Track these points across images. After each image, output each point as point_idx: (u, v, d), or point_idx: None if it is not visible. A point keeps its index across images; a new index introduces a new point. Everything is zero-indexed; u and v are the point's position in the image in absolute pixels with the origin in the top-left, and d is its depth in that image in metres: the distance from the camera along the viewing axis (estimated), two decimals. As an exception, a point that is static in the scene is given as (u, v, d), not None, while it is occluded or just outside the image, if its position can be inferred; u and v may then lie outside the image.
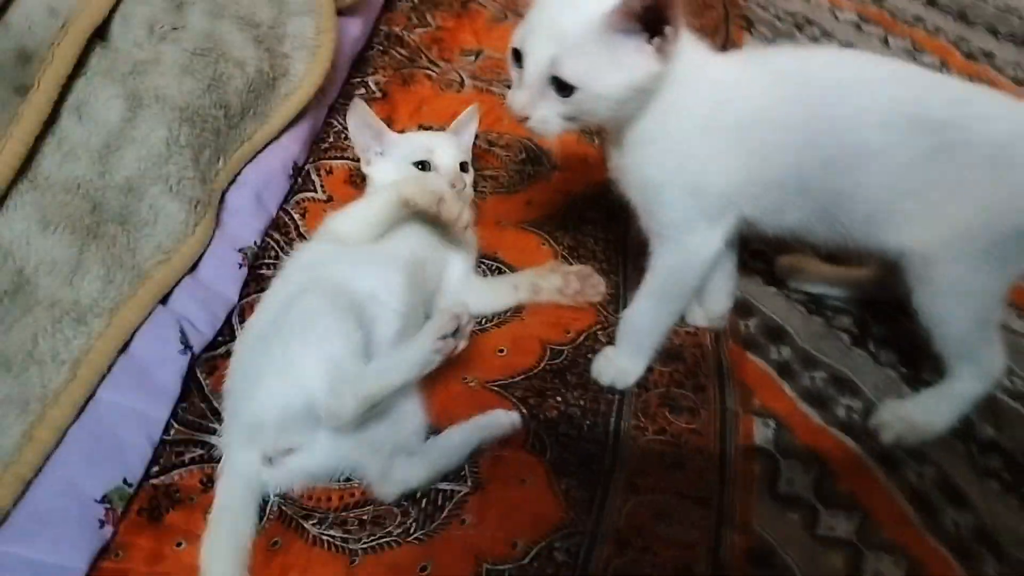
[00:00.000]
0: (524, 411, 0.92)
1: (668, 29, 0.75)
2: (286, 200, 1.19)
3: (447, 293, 1.02)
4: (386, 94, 1.42)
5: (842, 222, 0.87)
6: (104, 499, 0.80)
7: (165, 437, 0.88)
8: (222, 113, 1.10)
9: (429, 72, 1.50)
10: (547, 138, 0.85)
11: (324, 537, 0.80)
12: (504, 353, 0.99)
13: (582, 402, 0.94)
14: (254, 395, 0.81)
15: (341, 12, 1.36)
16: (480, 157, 1.26)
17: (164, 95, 1.04)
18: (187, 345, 0.94)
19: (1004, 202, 0.81)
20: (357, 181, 1.20)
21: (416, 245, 0.99)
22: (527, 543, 0.80)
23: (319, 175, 1.23)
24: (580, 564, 0.78)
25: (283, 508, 0.82)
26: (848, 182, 0.83)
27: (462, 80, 1.47)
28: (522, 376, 0.96)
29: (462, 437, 0.87)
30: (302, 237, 1.12)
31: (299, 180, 1.22)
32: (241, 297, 1.04)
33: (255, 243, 1.10)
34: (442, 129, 1.23)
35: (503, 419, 0.89)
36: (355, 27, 1.47)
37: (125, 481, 0.82)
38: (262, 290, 1.02)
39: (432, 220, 1.00)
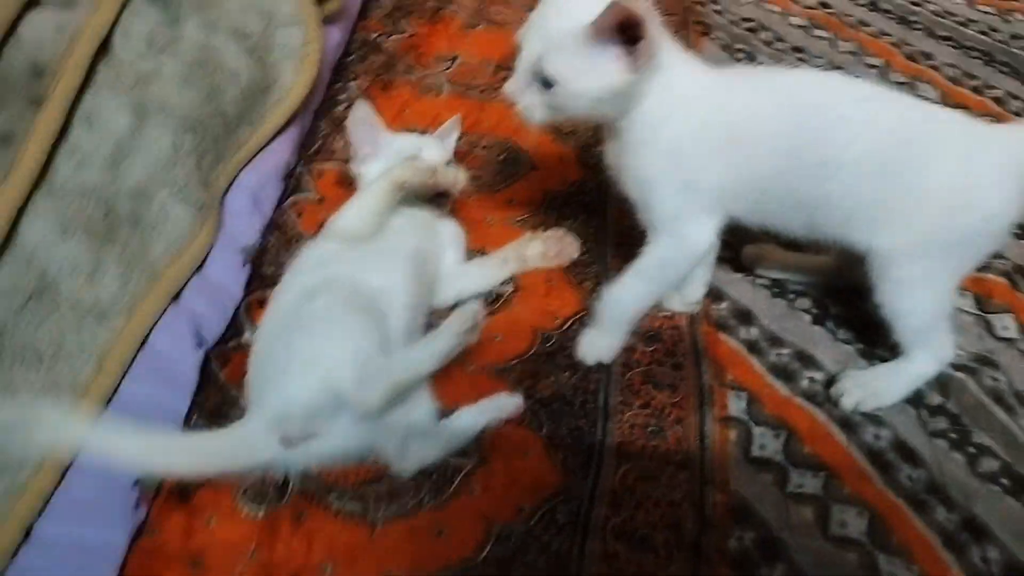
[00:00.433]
0: (520, 391, 1.00)
1: (641, 43, 0.84)
2: (282, 201, 1.25)
3: (445, 281, 1.09)
4: (368, 99, 1.48)
5: (819, 222, 0.95)
6: (136, 483, 0.86)
7: (186, 426, 0.94)
8: (220, 121, 1.16)
9: (407, 77, 1.56)
10: (532, 124, 0.93)
11: (345, 509, 0.87)
12: (499, 339, 1.07)
13: (573, 381, 1.02)
14: (281, 386, 0.86)
15: (323, 21, 1.42)
16: (463, 158, 1.34)
17: (167, 105, 1.09)
18: (201, 339, 1.00)
19: (962, 210, 0.90)
20: (347, 182, 1.26)
21: (417, 239, 1.06)
22: (532, 507, 0.88)
23: (311, 177, 1.30)
24: (580, 523, 0.87)
25: (305, 486, 0.89)
26: (824, 190, 0.92)
27: (440, 85, 1.54)
28: (516, 360, 1.04)
29: (471, 419, 0.94)
30: (299, 236, 1.19)
31: (293, 182, 1.28)
32: (246, 294, 1.10)
33: (255, 243, 1.16)
34: (425, 132, 1.31)
35: (507, 402, 0.97)
36: (335, 34, 1.53)
37: (155, 466, 0.89)
38: (265, 287, 1.08)
39: (430, 194, 1.07)
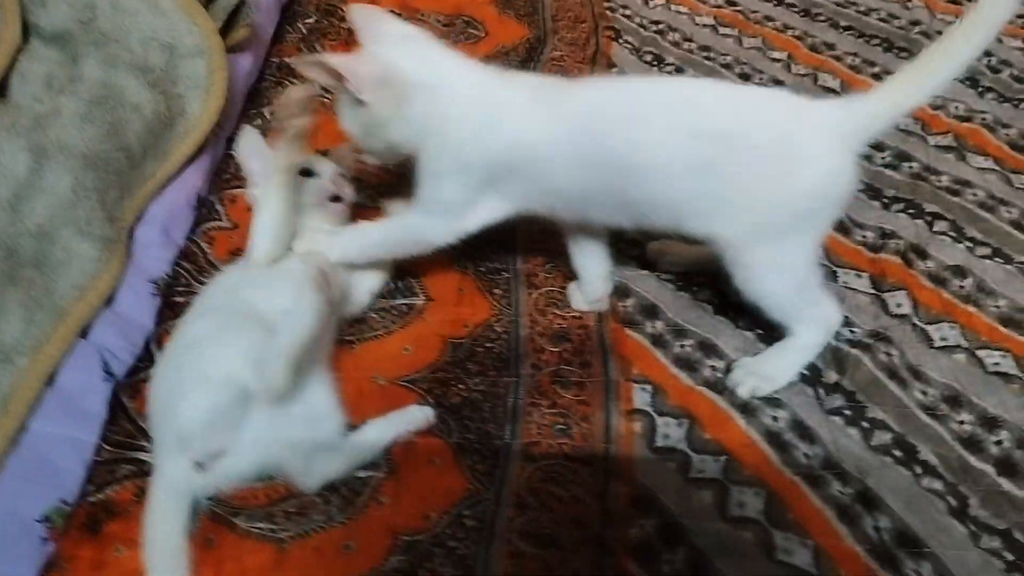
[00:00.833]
0: (431, 400, 1.02)
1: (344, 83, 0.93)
2: (193, 231, 1.26)
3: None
4: (283, 123, 1.50)
5: (647, 216, 0.99)
6: (44, 519, 0.86)
7: (97, 459, 0.94)
8: (123, 155, 1.17)
9: (322, 98, 1.58)
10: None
11: (254, 530, 0.88)
12: (409, 351, 1.09)
13: (482, 387, 1.04)
14: (179, 405, 0.88)
15: (231, 50, 1.44)
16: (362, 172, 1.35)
17: (67, 144, 1.10)
18: (110, 372, 1.01)
19: (788, 191, 0.93)
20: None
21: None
22: (439, 514, 0.90)
23: (223, 204, 1.31)
24: (487, 526, 0.89)
25: (214, 510, 0.90)
26: (642, 192, 0.96)
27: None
28: (426, 370, 1.06)
29: (378, 432, 0.96)
30: (211, 265, 1.20)
31: (204, 211, 1.30)
32: (157, 324, 1.11)
33: (166, 273, 1.17)
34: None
35: (417, 414, 0.99)
36: (246, 61, 1.54)
37: (63, 501, 0.89)
38: (177, 316, 1.09)
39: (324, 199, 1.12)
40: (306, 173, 1.13)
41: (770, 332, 1.10)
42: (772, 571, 0.86)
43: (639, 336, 1.12)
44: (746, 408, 1.02)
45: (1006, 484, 0.94)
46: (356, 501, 0.91)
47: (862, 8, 1.92)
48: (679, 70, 1.68)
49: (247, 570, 0.85)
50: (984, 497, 0.93)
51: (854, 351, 1.08)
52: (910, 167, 1.42)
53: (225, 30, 1.42)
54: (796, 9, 1.91)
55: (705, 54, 1.74)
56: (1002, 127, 1.52)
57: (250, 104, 1.56)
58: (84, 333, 1.02)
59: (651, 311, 1.15)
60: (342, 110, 1.02)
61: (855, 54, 1.74)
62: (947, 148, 1.48)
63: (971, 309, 1.16)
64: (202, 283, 1.10)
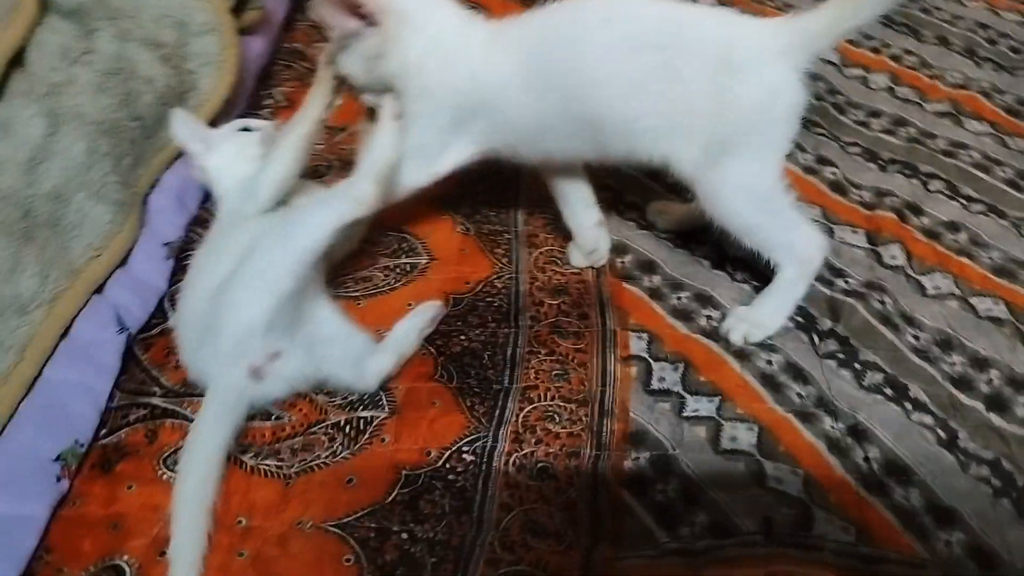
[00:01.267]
0: (432, 349, 1.05)
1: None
2: (206, 199, 1.30)
3: None
4: (292, 102, 1.54)
5: (604, 146, 1.01)
6: (59, 458, 0.90)
7: (110, 405, 0.98)
8: (137, 124, 1.21)
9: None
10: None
11: (261, 467, 0.91)
12: (413, 307, 1.11)
13: (483, 337, 1.07)
14: (236, 310, 0.91)
15: (244, 32, 1.49)
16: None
17: (81, 112, 1.15)
18: (123, 326, 1.05)
19: (734, 105, 0.94)
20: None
21: None
22: (439, 449, 0.93)
23: (234, 176, 1.35)
24: (485, 460, 0.91)
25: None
26: (591, 115, 0.98)
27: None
28: (428, 322, 1.09)
29: (406, 328, 1.04)
30: (223, 230, 1.24)
31: (216, 182, 1.33)
32: (170, 285, 1.15)
33: (179, 238, 1.21)
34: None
35: (431, 305, 1.07)
36: (258, 44, 1.59)
37: (77, 442, 0.92)
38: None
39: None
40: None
41: (766, 284, 1.11)
42: (763, 498, 0.87)
43: (636, 289, 1.14)
44: (741, 353, 1.04)
45: (995, 419, 0.96)
46: (359, 439, 0.94)
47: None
48: None
49: (254, 503, 0.88)
50: (973, 430, 0.94)
51: (848, 299, 1.10)
52: (907, 132, 1.44)
53: (236, 13, 1.46)
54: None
55: None
56: (998, 93, 1.54)
57: (261, 86, 1.61)
58: (100, 290, 1.07)
59: (649, 266, 1.18)
60: (345, 54, 1.06)
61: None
62: (943, 114, 1.49)
63: (964, 260, 1.18)
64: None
